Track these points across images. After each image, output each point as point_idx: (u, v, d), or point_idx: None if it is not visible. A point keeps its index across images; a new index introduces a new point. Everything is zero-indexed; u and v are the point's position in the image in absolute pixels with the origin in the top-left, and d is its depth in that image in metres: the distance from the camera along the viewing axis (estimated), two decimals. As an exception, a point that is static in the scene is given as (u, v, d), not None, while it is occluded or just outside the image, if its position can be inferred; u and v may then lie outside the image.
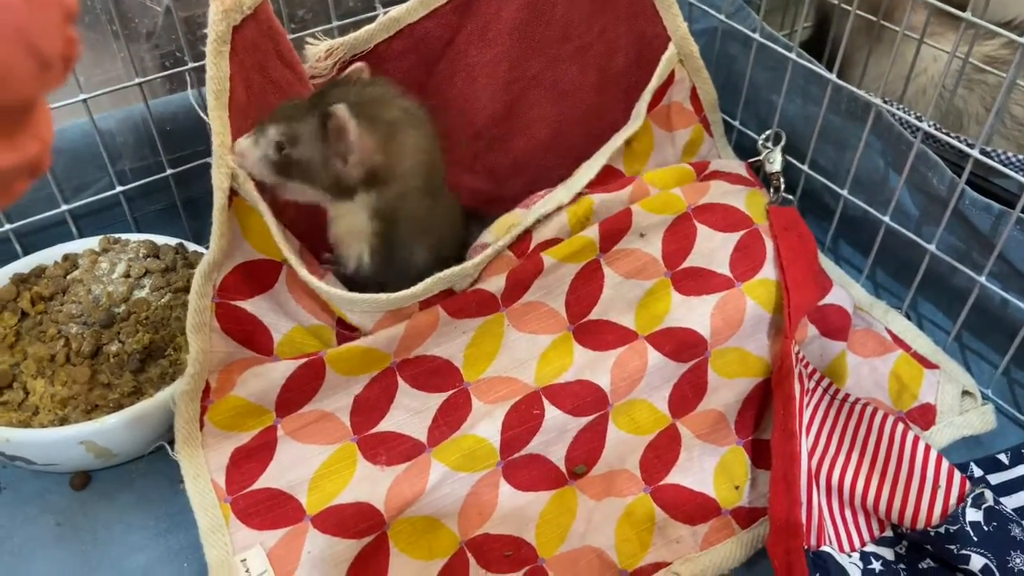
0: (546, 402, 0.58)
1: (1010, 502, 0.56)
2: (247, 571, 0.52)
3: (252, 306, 0.58)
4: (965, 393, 0.62)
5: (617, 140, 0.67)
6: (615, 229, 0.63)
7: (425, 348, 0.60)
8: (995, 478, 0.58)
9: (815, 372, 0.60)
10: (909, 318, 0.68)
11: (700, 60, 0.69)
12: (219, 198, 0.55)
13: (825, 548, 0.52)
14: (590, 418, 0.59)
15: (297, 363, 0.58)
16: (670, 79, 0.69)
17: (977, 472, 0.58)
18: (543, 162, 0.73)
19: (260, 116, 0.57)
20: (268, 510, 0.54)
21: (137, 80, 0.66)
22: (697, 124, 0.71)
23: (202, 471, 0.56)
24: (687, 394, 0.60)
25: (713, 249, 0.63)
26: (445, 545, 0.54)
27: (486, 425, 0.57)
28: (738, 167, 0.71)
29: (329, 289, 0.58)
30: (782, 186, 0.68)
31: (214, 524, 0.54)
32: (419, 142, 0.60)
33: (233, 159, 0.55)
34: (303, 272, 0.58)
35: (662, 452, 0.59)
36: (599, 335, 0.62)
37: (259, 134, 0.56)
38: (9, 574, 0.53)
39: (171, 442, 0.56)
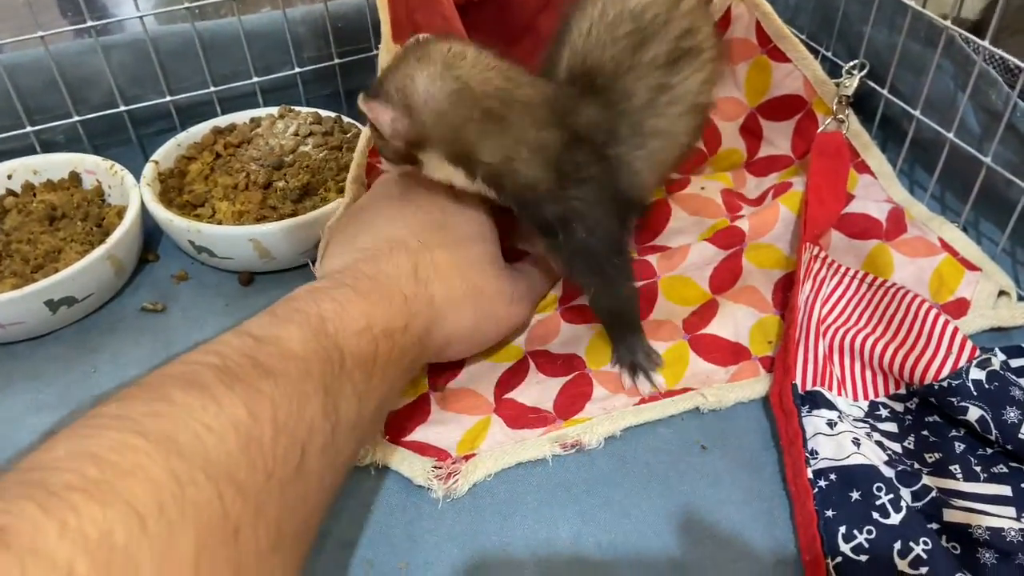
0: None
1: (1025, 382, 0.61)
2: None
3: None
4: (1002, 293, 0.67)
5: None
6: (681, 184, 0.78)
7: None
8: (1015, 362, 0.63)
9: (840, 267, 0.68)
10: (966, 231, 0.73)
11: None
12: None
13: (817, 388, 0.60)
14: (639, 283, 0.69)
15: None
16: (727, 17, 0.74)
17: (1000, 356, 0.63)
18: None
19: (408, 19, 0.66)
20: None
21: (320, -21, 0.83)
22: (760, 56, 0.77)
23: None
24: (725, 276, 0.71)
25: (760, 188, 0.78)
26: (513, 353, 0.66)
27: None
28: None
29: None
30: (847, 110, 0.76)
31: (336, 316, 0.69)
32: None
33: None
34: None
35: (705, 315, 0.68)
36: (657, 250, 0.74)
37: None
38: (190, 328, 0.70)
39: (314, 260, 0.71)
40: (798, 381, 0.60)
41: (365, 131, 0.66)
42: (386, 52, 0.63)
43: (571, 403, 0.62)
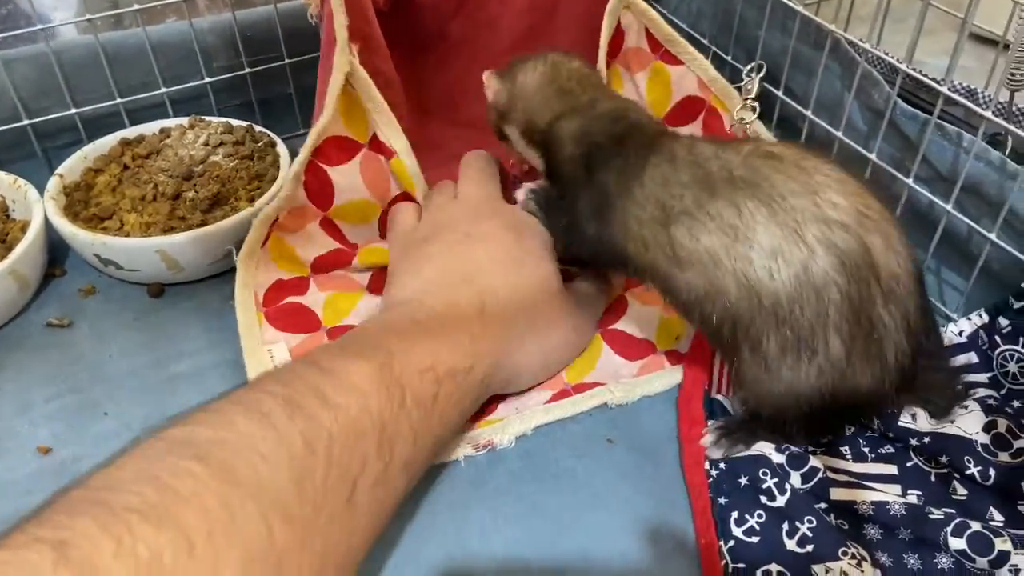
0: None
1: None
2: (272, 357, 0.66)
3: (332, 172, 0.69)
4: (892, 282, 0.71)
5: None
6: None
7: None
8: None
9: None
10: (858, 225, 0.76)
11: (643, 3, 0.74)
12: (338, 80, 0.64)
13: (718, 396, 0.62)
14: None
15: (335, 245, 0.72)
16: (619, 30, 0.75)
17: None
18: None
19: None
20: (292, 318, 0.68)
21: (227, -12, 0.83)
22: (655, 62, 0.77)
23: (250, 282, 0.69)
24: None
25: None
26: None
27: None
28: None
29: (414, 164, 0.70)
30: (755, 108, 0.79)
31: (250, 322, 0.67)
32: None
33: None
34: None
35: (617, 310, 0.71)
36: None
37: None
38: (97, 343, 0.69)
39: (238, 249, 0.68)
40: (711, 387, 0.63)
41: (316, 128, 0.65)
42: (342, 53, 0.64)
43: (485, 404, 0.63)
